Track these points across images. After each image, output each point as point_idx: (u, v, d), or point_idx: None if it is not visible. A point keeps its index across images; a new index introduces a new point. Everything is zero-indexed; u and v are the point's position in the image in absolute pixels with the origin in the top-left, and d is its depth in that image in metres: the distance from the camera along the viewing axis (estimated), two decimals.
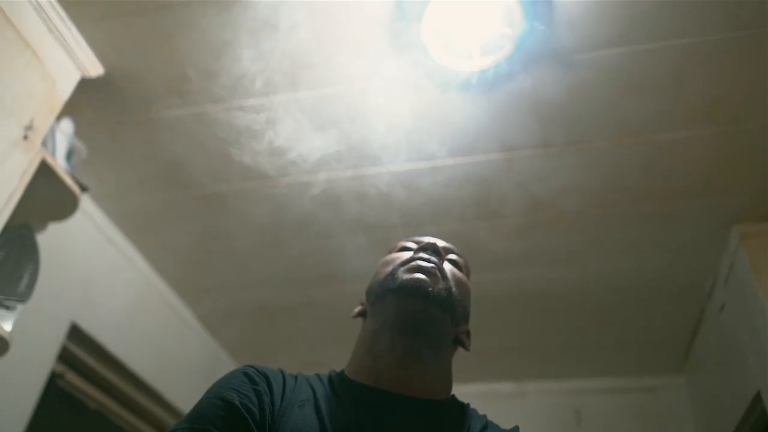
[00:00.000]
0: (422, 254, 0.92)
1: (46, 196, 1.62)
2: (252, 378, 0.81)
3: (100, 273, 2.24)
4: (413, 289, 0.85)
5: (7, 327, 1.44)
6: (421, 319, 0.85)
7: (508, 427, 0.88)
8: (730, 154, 1.91)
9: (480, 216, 2.19)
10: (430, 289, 0.85)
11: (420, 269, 0.88)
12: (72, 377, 2.23)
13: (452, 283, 0.91)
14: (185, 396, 2.76)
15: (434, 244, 0.95)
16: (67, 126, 1.78)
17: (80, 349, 2.20)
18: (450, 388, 0.91)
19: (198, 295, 2.75)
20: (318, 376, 0.91)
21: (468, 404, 0.91)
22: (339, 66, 1.73)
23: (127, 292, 2.41)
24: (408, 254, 0.95)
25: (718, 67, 1.67)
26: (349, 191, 2.13)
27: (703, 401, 2.90)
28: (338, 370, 0.93)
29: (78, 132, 1.83)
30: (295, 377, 0.87)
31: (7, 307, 1.46)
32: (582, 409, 3.19)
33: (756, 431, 2.36)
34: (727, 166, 1.95)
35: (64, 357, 2.12)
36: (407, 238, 1.04)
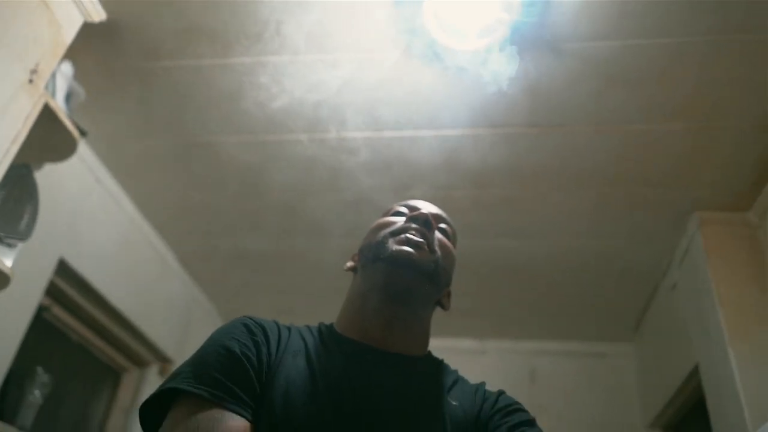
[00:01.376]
0: (413, 225, 0.94)
1: (47, 138, 1.66)
2: (251, 329, 0.85)
3: (88, 212, 2.29)
4: (401, 260, 0.89)
5: (9, 263, 1.51)
6: (406, 288, 0.90)
7: (474, 382, 0.99)
8: (698, 149, 2.04)
9: (461, 186, 2.29)
10: (417, 261, 0.90)
11: (408, 242, 0.91)
12: (57, 310, 2.31)
13: (439, 255, 0.94)
14: (163, 333, 2.87)
15: (426, 216, 0.96)
16: (66, 69, 1.80)
17: (67, 285, 2.28)
18: (427, 345, 0.98)
19: (181, 239, 2.83)
20: (308, 328, 0.95)
21: (442, 360, 0.99)
22: (342, 35, 1.78)
23: (113, 232, 2.47)
24: (401, 220, 0.97)
25: (697, 68, 1.77)
26: (336, 152, 2.20)
27: (647, 369, 3.14)
28: (327, 323, 0.99)
29: (76, 75, 1.85)
30: (289, 329, 0.92)
31: (9, 245, 1.52)
32: (537, 369, 3.42)
33: (691, 400, 2.60)
34: (693, 159, 2.09)
35: (51, 291, 2.19)
36: (402, 203, 1.06)
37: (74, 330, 2.47)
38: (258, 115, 2.07)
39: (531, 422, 0.86)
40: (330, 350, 0.89)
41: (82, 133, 1.73)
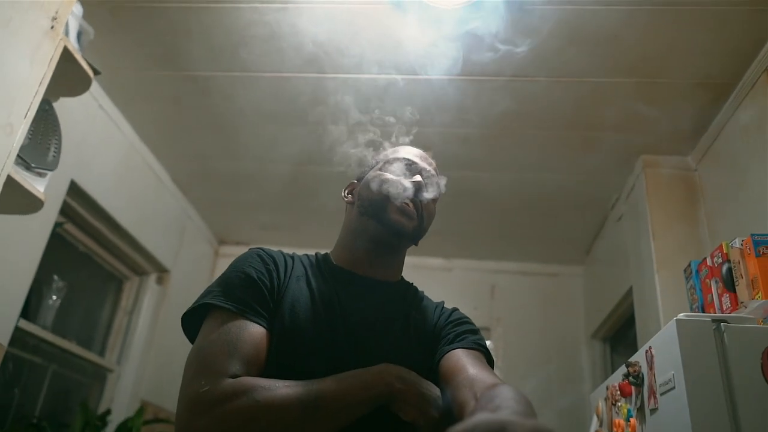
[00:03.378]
0: (410, 194, 1.08)
1: (65, 77, 1.83)
2: (263, 259, 1.03)
3: (93, 137, 2.49)
4: (395, 230, 1.07)
5: (41, 189, 1.74)
6: (393, 246, 1.11)
7: (440, 295, 1.22)
8: (645, 101, 2.30)
9: (438, 124, 2.54)
10: (407, 230, 1.08)
11: (404, 213, 1.07)
12: (69, 226, 2.56)
13: (425, 222, 1.12)
14: (160, 245, 3.15)
15: (421, 185, 1.10)
16: (77, 9, 1.94)
17: (77, 203, 2.51)
18: (401, 272, 1.17)
19: (176, 161, 3.05)
20: (307, 256, 1.13)
21: (411, 283, 1.19)
22: None
23: (115, 155, 2.68)
24: (400, 183, 1.09)
25: (647, 33, 2.00)
26: (322, 89, 2.41)
27: (593, 289, 3.54)
28: (322, 252, 1.19)
29: (84, 13, 2.00)
30: (292, 257, 1.09)
31: (39, 174, 1.74)
32: (496, 285, 3.81)
33: (624, 315, 3.02)
34: (641, 110, 2.35)
35: (64, 209, 2.43)
36: (401, 154, 1.16)
37: (83, 243, 2.73)
38: (250, 54, 2.25)
39: (475, 331, 1.06)
40: (325, 276, 1.08)
41: (96, 72, 1.91)
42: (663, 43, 2.05)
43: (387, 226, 1.06)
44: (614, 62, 2.14)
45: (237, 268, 1.01)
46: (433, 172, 1.17)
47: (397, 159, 1.15)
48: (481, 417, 0.50)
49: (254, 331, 0.92)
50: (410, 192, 1.08)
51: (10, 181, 1.58)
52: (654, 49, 2.07)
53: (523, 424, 0.47)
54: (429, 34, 2.09)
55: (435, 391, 0.90)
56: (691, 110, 2.33)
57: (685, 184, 2.59)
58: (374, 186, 1.10)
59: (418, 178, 1.11)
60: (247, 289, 0.96)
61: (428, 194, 1.12)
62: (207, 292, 0.98)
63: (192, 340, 0.96)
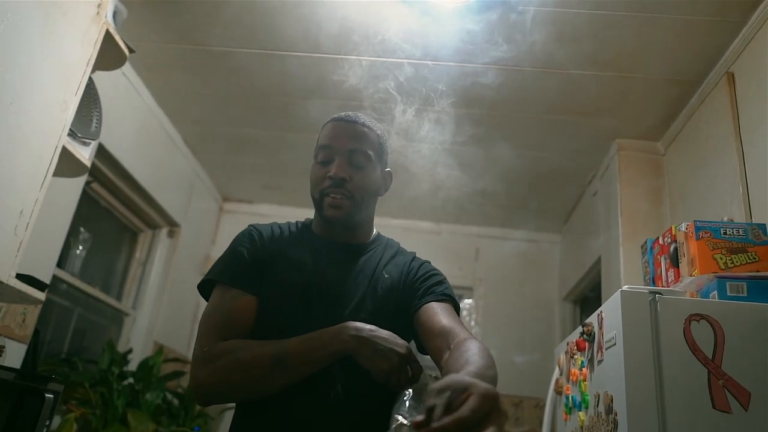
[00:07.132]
0: (332, 187, 1.17)
1: (104, 55, 2.05)
2: (253, 237, 1.21)
3: (117, 103, 2.70)
4: (331, 222, 1.20)
5: (87, 156, 1.98)
6: (344, 228, 1.23)
7: (429, 256, 1.35)
8: (620, 91, 2.56)
9: (440, 104, 2.77)
10: (342, 217, 1.18)
11: (333, 205, 1.18)
12: (94, 185, 2.80)
13: (356, 197, 1.18)
14: (171, 202, 3.40)
15: (338, 177, 1.16)
16: None
17: (102, 164, 2.75)
18: (371, 232, 1.28)
19: (188, 125, 3.27)
20: (296, 224, 1.29)
21: (389, 239, 1.30)
22: None
23: (136, 120, 2.90)
24: (320, 185, 1.19)
25: (623, 34, 2.25)
26: (332, 68, 2.63)
27: (568, 256, 3.87)
28: (307, 222, 1.30)
29: None
30: (280, 228, 1.27)
31: (84, 143, 1.98)
32: (480, 248, 4.13)
33: (593, 282, 3.35)
34: (618, 99, 2.62)
35: (91, 170, 2.66)
36: (322, 141, 1.23)
37: (105, 199, 2.98)
38: (267, 32, 2.46)
39: (442, 282, 1.20)
40: (305, 242, 1.25)
41: (131, 51, 2.13)
42: (637, 44, 2.30)
43: (327, 221, 1.21)
44: (594, 57, 2.39)
45: (233, 248, 1.21)
46: (358, 145, 1.20)
47: (319, 147, 1.23)
48: (452, 377, 0.63)
49: (245, 300, 1.13)
50: (330, 187, 1.17)
51: (64, 151, 1.82)
52: (629, 48, 2.32)
53: (480, 385, 0.60)
54: (431, 25, 2.31)
55: (392, 343, 1.01)
56: (661, 102, 2.59)
57: (653, 167, 2.87)
58: (311, 180, 1.22)
59: (332, 171, 1.17)
60: (240, 265, 1.16)
61: (356, 173, 1.19)
62: (212, 268, 1.19)
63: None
